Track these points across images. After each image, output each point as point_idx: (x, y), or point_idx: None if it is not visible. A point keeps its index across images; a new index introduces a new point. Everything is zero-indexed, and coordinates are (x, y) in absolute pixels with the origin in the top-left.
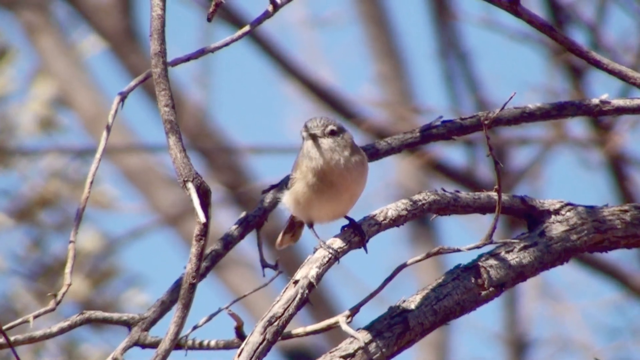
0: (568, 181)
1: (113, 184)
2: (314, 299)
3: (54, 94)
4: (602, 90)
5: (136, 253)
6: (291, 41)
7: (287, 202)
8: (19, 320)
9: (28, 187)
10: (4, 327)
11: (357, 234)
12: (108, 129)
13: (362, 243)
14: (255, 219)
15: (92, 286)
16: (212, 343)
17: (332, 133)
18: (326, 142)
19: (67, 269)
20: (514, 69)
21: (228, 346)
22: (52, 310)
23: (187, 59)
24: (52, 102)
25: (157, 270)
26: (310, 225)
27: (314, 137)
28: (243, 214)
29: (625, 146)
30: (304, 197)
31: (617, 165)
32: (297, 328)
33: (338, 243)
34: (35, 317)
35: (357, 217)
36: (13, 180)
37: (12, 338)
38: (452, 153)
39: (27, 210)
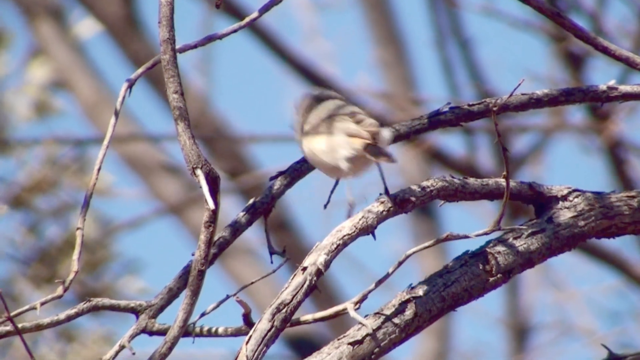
0: (569, 167)
1: (114, 171)
2: (320, 288)
3: (51, 78)
4: (600, 78)
5: (137, 241)
6: (292, 25)
7: None
8: (26, 307)
9: (24, 173)
10: (13, 313)
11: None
12: (116, 115)
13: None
14: (263, 205)
15: (90, 271)
16: (221, 330)
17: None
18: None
19: (75, 256)
20: (514, 57)
21: (236, 333)
22: (60, 297)
23: (195, 45)
24: (48, 86)
25: (159, 258)
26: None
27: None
28: (251, 201)
29: (623, 133)
30: None
31: (615, 151)
32: (303, 314)
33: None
34: (42, 304)
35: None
36: (9, 166)
37: (19, 325)
38: (451, 141)
39: (23, 196)
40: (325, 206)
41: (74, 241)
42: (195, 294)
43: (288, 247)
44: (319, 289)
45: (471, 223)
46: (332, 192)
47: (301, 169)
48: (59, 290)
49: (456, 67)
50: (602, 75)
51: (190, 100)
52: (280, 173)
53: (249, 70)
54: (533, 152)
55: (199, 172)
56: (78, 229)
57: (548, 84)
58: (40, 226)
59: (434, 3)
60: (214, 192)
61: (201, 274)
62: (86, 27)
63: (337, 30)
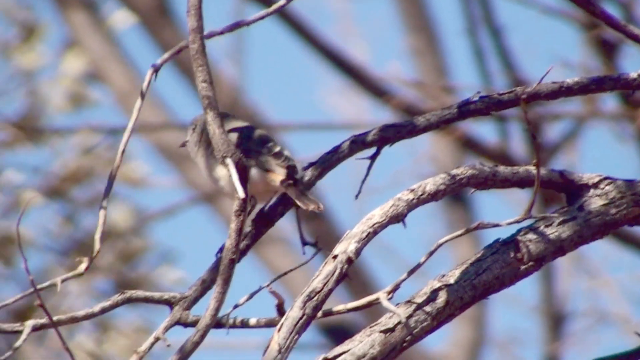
0: (601, 155)
1: (148, 161)
2: (351, 275)
3: (85, 69)
4: (633, 66)
5: (171, 230)
6: (325, 13)
7: None
8: (47, 282)
9: (59, 164)
10: (38, 287)
11: None
12: (142, 97)
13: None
14: None
15: (125, 262)
16: (253, 321)
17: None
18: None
19: (97, 235)
20: (547, 45)
21: (269, 324)
22: (81, 275)
23: (222, 32)
24: (83, 78)
25: (193, 247)
26: None
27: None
28: (283, 192)
29: None
30: None
31: None
32: (336, 304)
33: None
34: (63, 280)
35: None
36: (44, 156)
37: (54, 318)
38: (484, 130)
39: (59, 186)
40: (356, 196)
41: (109, 231)
42: (226, 282)
43: (321, 236)
44: (349, 277)
45: (503, 211)
46: (363, 181)
47: (332, 159)
48: (82, 267)
49: (488, 55)
50: (635, 62)
51: (222, 89)
52: (312, 164)
53: (282, 59)
54: (566, 141)
55: (228, 160)
56: (101, 208)
57: (580, 71)
58: (76, 216)
59: None
60: (244, 180)
61: (232, 263)
62: (120, 19)
63: (370, 18)
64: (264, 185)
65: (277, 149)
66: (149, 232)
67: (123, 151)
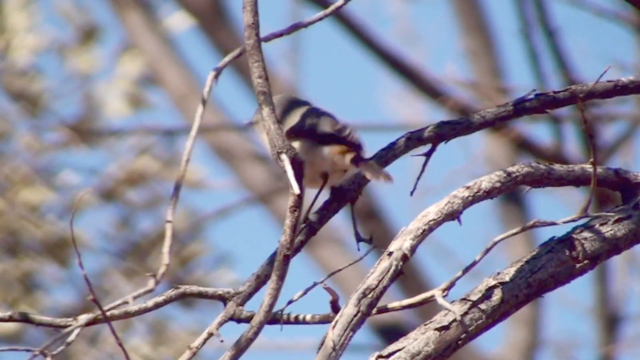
0: None
1: (203, 161)
2: (406, 273)
3: (142, 71)
4: None
5: (226, 231)
6: (383, 16)
7: None
8: (119, 301)
9: (116, 166)
10: (106, 308)
11: None
12: (203, 103)
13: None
14: (350, 193)
15: (181, 264)
16: (308, 317)
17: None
18: None
19: (165, 249)
20: (601, 47)
21: (324, 320)
22: (151, 291)
23: (280, 34)
24: (139, 80)
25: (248, 248)
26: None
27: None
28: (337, 188)
29: None
30: None
31: None
32: (391, 302)
33: None
34: (135, 297)
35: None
36: (101, 159)
37: (108, 313)
38: (539, 131)
39: (115, 188)
40: (411, 193)
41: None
42: (281, 278)
43: (377, 234)
44: (404, 274)
45: (556, 210)
46: (418, 178)
47: (387, 155)
48: (151, 283)
49: (543, 57)
50: None
51: (278, 90)
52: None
53: (338, 60)
54: (621, 142)
55: (283, 156)
56: (168, 221)
57: (635, 73)
58: (132, 219)
59: None
60: (299, 176)
61: (287, 259)
62: (176, 21)
63: (427, 20)
64: (331, 163)
65: (341, 126)
66: (205, 235)
67: (187, 161)
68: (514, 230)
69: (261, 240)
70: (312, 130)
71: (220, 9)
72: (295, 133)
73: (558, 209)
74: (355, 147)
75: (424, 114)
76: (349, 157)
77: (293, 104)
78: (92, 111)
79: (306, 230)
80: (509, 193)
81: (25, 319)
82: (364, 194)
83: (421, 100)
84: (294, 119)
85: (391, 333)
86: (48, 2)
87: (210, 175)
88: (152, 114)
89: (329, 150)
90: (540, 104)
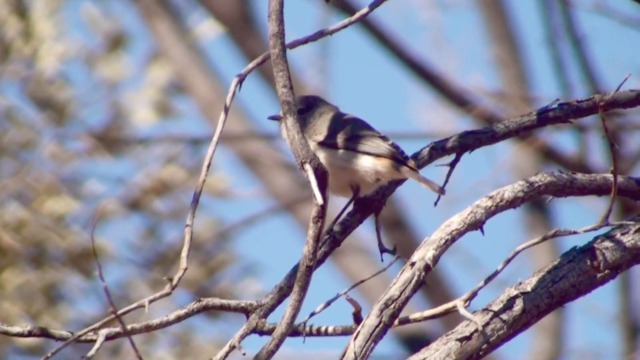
0: None
1: (230, 170)
2: (431, 283)
3: (170, 79)
4: None
5: (253, 240)
6: (414, 24)
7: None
8: (135, 304)
9: (143, 175)
10: (120, 312)
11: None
12: (226, 110)
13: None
14: (374, 203)
15: (208, 274)
16: (330, 329)
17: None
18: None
19: (184, 253)
20: (627, 56)
21: (346, 332)
22: (168, 294)
23: (305, 41)
24: (168, 88)
25: (274, 257)
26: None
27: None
28: (361, 199)
29: None
30: None
31: None
32: (414, 313)
33: None
34: (151, 301)
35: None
36: (127, 168)
37: (128, 326)
38: (563, 140)
39: (142, 198)
40: (435, 203)
41: (193, 244)
42: (303, 290)
43: (402, 244)
44: (427, 285)
45: (584, 217)
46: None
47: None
48: (167, 287)
49: (569, 66)
50: None
51: None
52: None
53: (366, 68)
54: None
55: (307, 166)
56: (187, 225)
57: None
58: (158, 229)
59: (547, 2)
60: (323, 187)
61: (309, 270)
62: (204, 29)
63: (457, 30)
64: (375, 172)
65: (381, 135)
66: (232, 244)
67: (208, 166)
68: (535, 240)
69: (287, 249)
70: (355, 140)
71: (249, 17)
72: (332, 143)
73: (584, 216)
74: (403, 157)
75: (451, 123)
76: (398, 166)
77: (320, 106)
78: (120, 119)
79: (329, 242)
80: (535, 201)
81: (45, 333)
82: (390, 204)
83: (448, 109)
84: (330, 125)
85: (415, 342)
86: (76, 9)
87: (236, 184)
88: (180, 123)
89: (372, 161)
90: (564, 114)
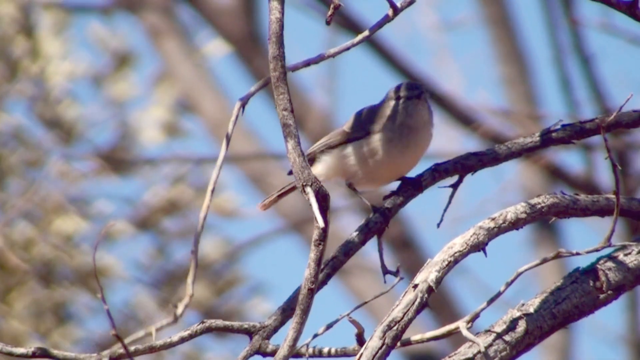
0: None
1: (238, 190)
2: (437, 303)
3: (178, 99)
4: None
5: (261, 259)
6: (420, 45)
7: (348, 157)
8: (142, 332)
9: (151, 194)
10: (128, 340)
11: (414, 187)
12: (227, 138)
13: (418, 192)
14: (377, 225)
15: (216, 294)
16: (333, 351)
17: (426, 100)
18: (425, 105)
19: (189, 279)
20: (635, 74)
21: (348, 354)
22: (174, 322)
23: (307, 64)
24: (175, 107)
25: (283, 276)
26: (351, 186)
27: (418, 96)
28: (364, 221)
29: None
30: (385, 151)
31: None
32: (417, 333)
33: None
34: (158, 329)
35: (470, 224)
36: (136, 187)
37: (132, 348)
38: (571, 158)
39: (150, 217)
40: (438, 225)
41: (201, 264)
42: (305, 312)
43: (410, 264)
44: (430, 307)
45: (591, 236)
46: (445, 210)
47: (413, 188)
48: (177, 313)
49: (576, 84)
50: None
51: (314, 117)
52: (393, 193)
53: (374, 88)
54: None
55: (308, 189)
56: (192, 251)
57: None
58: (167, 248)
59: (554, 21)
60: (324, 210)
61: (311, 293)
62: (213, 48)
63: (463, 49)
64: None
65: None
66: (240, 263)
67: (212, 191)
68: (537, 262)
69: (296, 268)
70: None
71: (256, 36)
72: None
73: (591, 235)
74: None
75: (456, 142)
76: None
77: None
78: (127, 139)
79: (332, 264)
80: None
81: (47, 355)
82: (398, 224)
83: (454, 128)
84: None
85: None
86: (83, 28)
87: (244, 203)
88: (187, 142)
89: None
90: (567, 135)
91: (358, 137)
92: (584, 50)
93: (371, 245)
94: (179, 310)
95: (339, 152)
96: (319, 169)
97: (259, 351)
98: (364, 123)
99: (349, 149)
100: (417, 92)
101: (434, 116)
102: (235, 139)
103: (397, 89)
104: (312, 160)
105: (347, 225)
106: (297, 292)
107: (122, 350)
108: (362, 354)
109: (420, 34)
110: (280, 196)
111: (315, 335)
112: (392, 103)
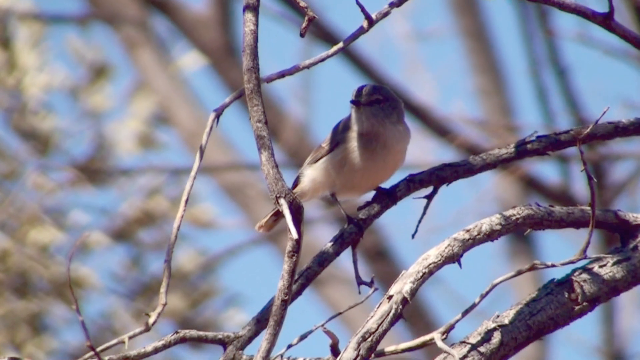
0: None
1: (213, 201)
2: (412, 314)
3: (153, 110)
4: None
5: (236, 270)
6: (394, 55)
7: (325, 169)
8: (114, 341)
9: (126, 205)
10: (100, 348)
11: (389, 197)
12: (202, 149)
13: (393, 203)
14: (351, 235)
15: (192, 305)
16: None
17: (376, 102)
18: (369, 109)
19: (162, 288)
20: (612, 85)
21: None
22: (147, 331)
23: (281, 75)
24: (151, 119)
25: (258, 287)
26: (334, 196)
27: (357, 104)
28: (339, 231)
29: None
30: (352, 159)
31: None
32: (392, 345)
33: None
34: (131, 337)
35: (446, 235)
36: (111, 198)
37: (106, 358)
38: (547, 169)
39: (126, 228)
40: (413, 236)
41: (176, 275)
42: (278, 324)
43: (386, 275)
44: (404, 318)
45: (565, 247)
46: (420, 221)
47: (388, 199)
48: (146, 324)
49: (552, 95)
50: None
51: (289, 128)
52: (368, 203)
53: (348, 97)
54: (629, 181)
55: (282, 201)
56: (165, 261)
57: None
58: (142, 259)
59: (530, 32)
60: (298, 221)
61: (284, 304)
62: (189, 60)
63: (437, 60)
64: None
65: None
66: (216, 275)
67: (187, 200)
68: (512, 273)
69: (271, 279)
70: None
71: (232, 48)
72: None
73: (566, 246)
74: None
75: (432, 153)
76: None
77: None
78: (103, 150)
79: (306, 274)
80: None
81: None
82: (372, 234)
83: (430, 139)
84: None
85: None
86: (59, 40)
87: (220, 214)
88: (163, 153)
89: None
90: (542, 146)
91: (332, 149)
92: (560, 62)
93: (346, 256)
94: (152, 319)
95: (318, 165)
96: (304, 184)
97: None
98: (336, 134)
99: (325, 161)
100: (355, 99)
101: (400, 116)
102: (211, 150)
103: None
104: (297, 179)
105: (322, 236)
106: (271, 302)
107: None
108: None
109: (394, 45)
110: (275, 215)
111: (290, 346)
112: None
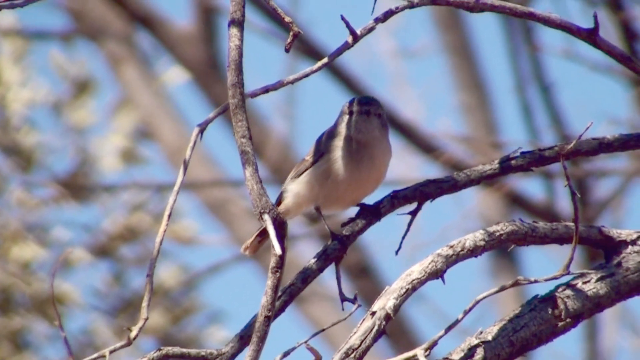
0: None
1: (196, 217)
2: (395, 330)
3: (137, 126)
4: None
5: (219, 287)
6: (379, 72)
7: (308, 182)
8: (95, 355)
9: (109, 222)
10: None
11: (373, 213)
12: (185, 164)
13: (377, 219)
14: (335, 252)
15: (174, 322)
16: None
17: (379, 115)
18: (375, 121)
19: (144, 303)
20: (596, 101)
21: None
22: (128, 345)
23: (266, 90)
24: (134, 135)
25: (240, 304)
26: (318, 210)
27: (367, 113)
28: (322, 248)
29: None
30: (337, 170)
31: None
32: None
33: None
34: (112, 352)
35: (430, 251)
36: (94, 214)
37: None
38: (532, 186)
39: (108, 245)
40: (396, 252)
41: (158, 291)
42: (261, 340)
43: (369, 291)
44: (387, 334)
45: (549, 263)
46: (403, 237)
47: (372, 215)
48: (127, 338)
49: (537, 112)
50: None
51: (272, 144)
52: (351, 220)
53: (333, 114)
54: (614, 197)
55: (266, 217)
56: (148, 275)
57: (628, 128)
58: (124, 275)
59: (515, 48)
60: (282, 237)
61: (267, 320)
62: (173, 75)
63: (422, 76)
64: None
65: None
66: (198, 291)
67: (169, 215)
68: (495, 289)
69: (254, 295)
70: None
71: (215, 63)
72: None
73: (550, 262)
74: None
75: (416, 170)
76: None
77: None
78: (86, 166)
79: (289, 291)
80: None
81: None
82: (356, 251)
83: (414, 155)
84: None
85: None
86: (42, 55)
87: (202, 231)
88: (146, 169)
89: None
90: (526, 163)
91: (316, 160)
92: (545, 78)
93: (329, 273)
94: (134, 333)
95: (301, 179)
96: (288, 199)
97: None
98: (319, 145)
99: (309, 174)
100: (365, 108)
101: (388, 131)
102: (194, 166)
103: (350, 103)
104: (281, 195)
105: (305, 252)
106: (254, 319)
107: None
108: None
109: (379, 61)
110: (260, 235)
111: None
112: (345, 118)
